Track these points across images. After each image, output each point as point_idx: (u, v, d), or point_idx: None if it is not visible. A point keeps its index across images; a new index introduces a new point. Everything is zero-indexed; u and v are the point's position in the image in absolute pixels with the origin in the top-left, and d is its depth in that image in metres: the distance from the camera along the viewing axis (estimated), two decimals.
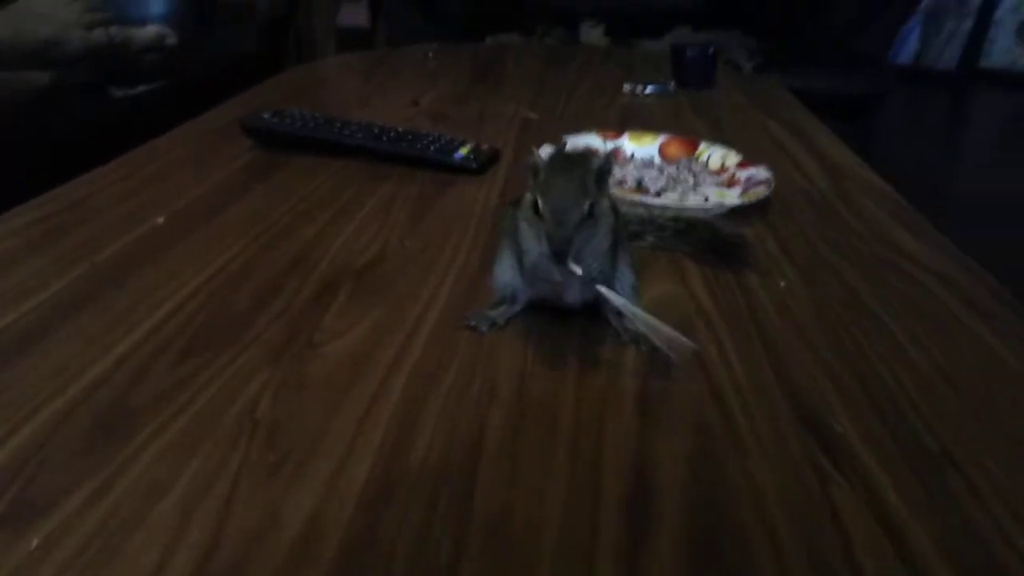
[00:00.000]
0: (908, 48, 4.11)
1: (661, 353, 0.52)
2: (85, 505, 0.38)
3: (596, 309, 0.56)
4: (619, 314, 0.55)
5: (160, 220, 0.74)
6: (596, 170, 0.50)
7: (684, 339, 0.49)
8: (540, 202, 0.49)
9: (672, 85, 1.29)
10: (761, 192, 0.77)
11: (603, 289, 0.51)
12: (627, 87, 1.29)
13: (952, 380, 0.51)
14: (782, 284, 0.63)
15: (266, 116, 0.97)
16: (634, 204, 0.72)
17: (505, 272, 0.56)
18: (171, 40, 1.77)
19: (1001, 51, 4.07)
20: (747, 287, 0.62)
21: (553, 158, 0.51)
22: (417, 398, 0.47)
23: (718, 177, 0.85)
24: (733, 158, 0.87)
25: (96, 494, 0.39)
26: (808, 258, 0.68)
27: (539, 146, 0.52)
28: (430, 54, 1.54)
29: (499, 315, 0.56)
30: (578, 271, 0.49)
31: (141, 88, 1.73)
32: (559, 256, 0.48)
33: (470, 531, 0.37)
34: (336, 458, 0.42)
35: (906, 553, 0.36)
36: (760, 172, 0.82)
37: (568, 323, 0.56)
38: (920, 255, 0.69)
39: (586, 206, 0.48)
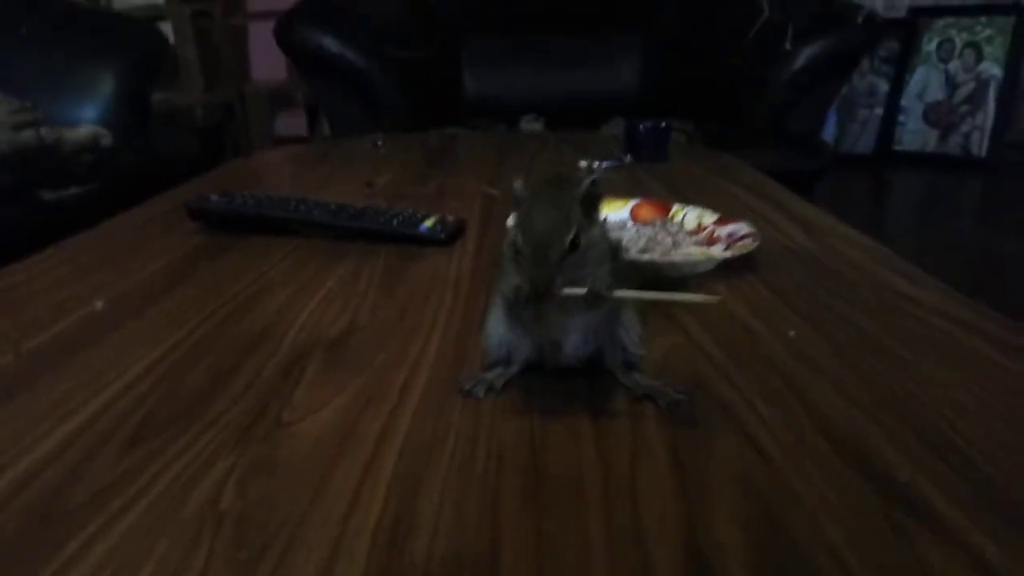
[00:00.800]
0: (827, 134, 4.32)
1: (682, 402, 0.46)
2: None
3: (598, 367, 0.50)
4: (628, 368, 0.50)
5: (99, 304, 0.66)
6: (583, 195, 0.45)
7: (704, 296, 0.44)
8: (520, 238, 0.44)
9: (627, 158, 1.28)
10: (749, 245, 0.74)
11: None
12: (583, 163, 1.27)
13: (1011, 422, 0.46)
14: (791, 334, 0.58)
15: (214, 198, 0.91)
16: None
17: (497, 328, 0.50)
18: (106, 141, 1.71)
19: (912, 134, 4.32)
20: (756, 337, 0.58)
21: (536, 188, 0.46)
22: (414, 475, 0.40)
23: (696, 236, 0.82)
24: (709, 217, 0.84)
25: None
26: (811, 307, 0.64)
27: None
28: (379, 142, 1.52)
29: (495, 377, 0.50)
30: (579, 291, 0.43)
31: (73, 190, 1.65)
32: (539, 297, 0.42)
33: None
34: (323, 552, 0.34)
35: None
36: (741, 227, 0.79)
37: (571, 382, 0.50)
38: (925, 299, 0.65)
39: (568, 238, 0.43)
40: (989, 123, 4.01)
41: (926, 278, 0.71)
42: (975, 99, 4.07)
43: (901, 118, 4.25)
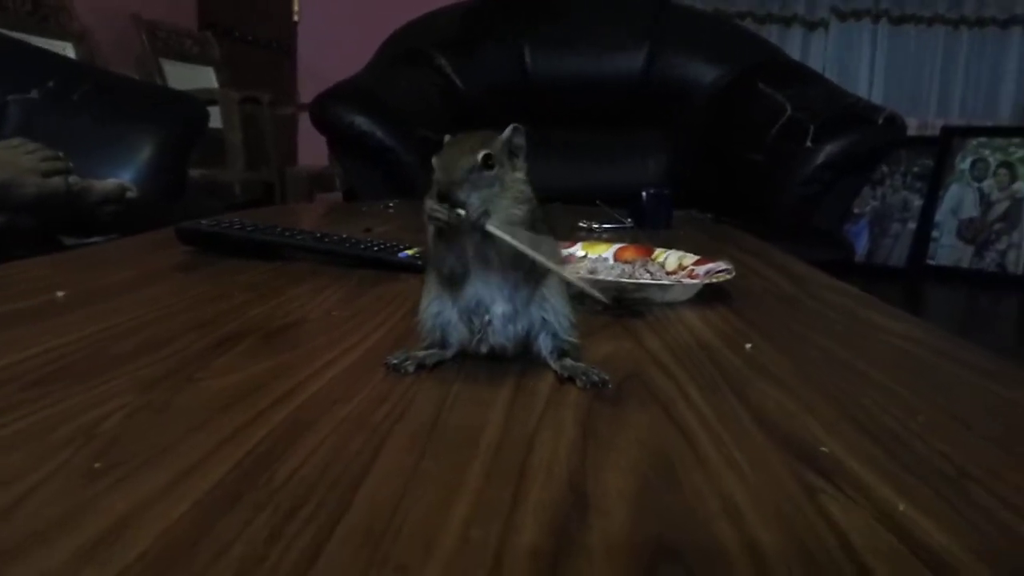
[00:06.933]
0: (859, 246, 4.30)
1: (604, 383, 0.44)
2: None
3: (532, 354, 0.48)
4: (561, 355, 0.47)
5: (60, 294, 0.66)
6: (504, 140, 0.45)
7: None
8: (433, 161, 0.44)
9: (628, 222, 1.28)
10: (724, 276, 0.72)
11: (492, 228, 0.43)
12: (583, 224, 1.28)
13: (964, 419, 0.42)
14: (748, 347, 0.55)
15: (203, 222, 0.92)
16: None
17: (432, 308, 0.49)
18: (131, 193, 1.77)
19: (946, 250, 4.27)
20: (711, 348, 0.55)
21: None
22: (305, 423, 0.38)
23: (676, 275, 0.80)
24: (690, 258, 0.82)
25: None
26: (778, 331, 0.62)
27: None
28: (391, 204, 1.55)
29: (426, 356, 0.48)
30: (461, 212, 0.42)
31: (95, 238, 1.69)
32: (444, 197, 0.42)
33: (335, 535, 0.27)
34: (179, 468, 0.32)
35: (936, 563, 0.27)
36: (719, 265, 0.77)
37: (503, 365, 0.47)
38: (902, 331, 0.62)
39: (480, 155, 0.43)
40: None
41: (910, 317, 0.68)
42: (1010, 217, 4.05)
43: (935, 233, 4.22)
